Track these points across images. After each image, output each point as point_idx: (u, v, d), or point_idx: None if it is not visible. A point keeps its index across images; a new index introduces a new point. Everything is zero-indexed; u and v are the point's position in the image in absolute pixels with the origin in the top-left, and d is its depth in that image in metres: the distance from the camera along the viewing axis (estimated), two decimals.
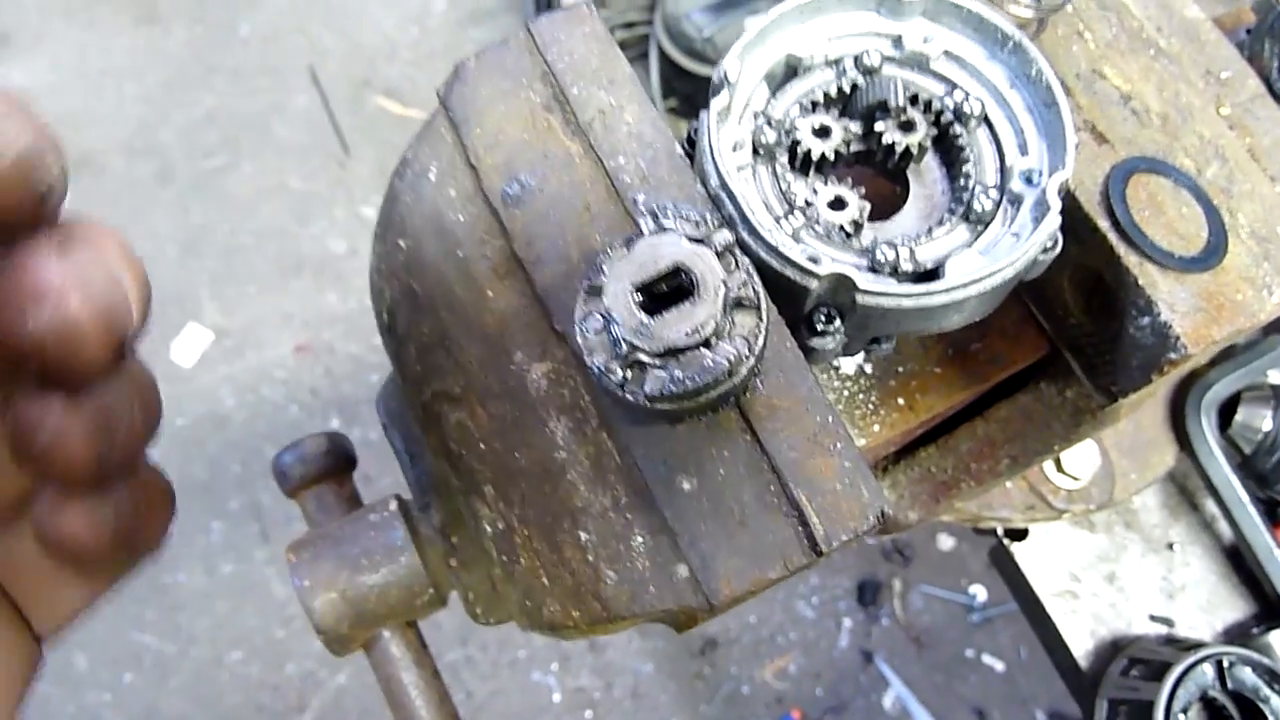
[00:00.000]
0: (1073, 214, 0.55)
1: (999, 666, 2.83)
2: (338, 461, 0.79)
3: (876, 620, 2.95)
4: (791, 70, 0.57)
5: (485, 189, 0.52)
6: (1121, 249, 0.53)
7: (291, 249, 2.93)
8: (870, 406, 0.72)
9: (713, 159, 0.51)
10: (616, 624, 0.49)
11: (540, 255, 0.51)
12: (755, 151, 0.54)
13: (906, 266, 0.51)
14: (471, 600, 0.69)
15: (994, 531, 1.05)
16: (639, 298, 0.43)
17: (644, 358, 0.43)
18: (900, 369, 0.73)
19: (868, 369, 0.73)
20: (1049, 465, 0.99)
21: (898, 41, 0.56)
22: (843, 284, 0.48)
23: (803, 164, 0.55)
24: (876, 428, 0.71)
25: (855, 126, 0.56)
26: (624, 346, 0.43)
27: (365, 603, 0.78)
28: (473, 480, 0.55)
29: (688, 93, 2.80)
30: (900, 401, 0.72)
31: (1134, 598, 1.03)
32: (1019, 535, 1.04)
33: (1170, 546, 1.05)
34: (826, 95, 0.56)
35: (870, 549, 3.04)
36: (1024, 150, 0.54)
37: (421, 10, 3.51)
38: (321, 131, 3.13)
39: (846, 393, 0.72)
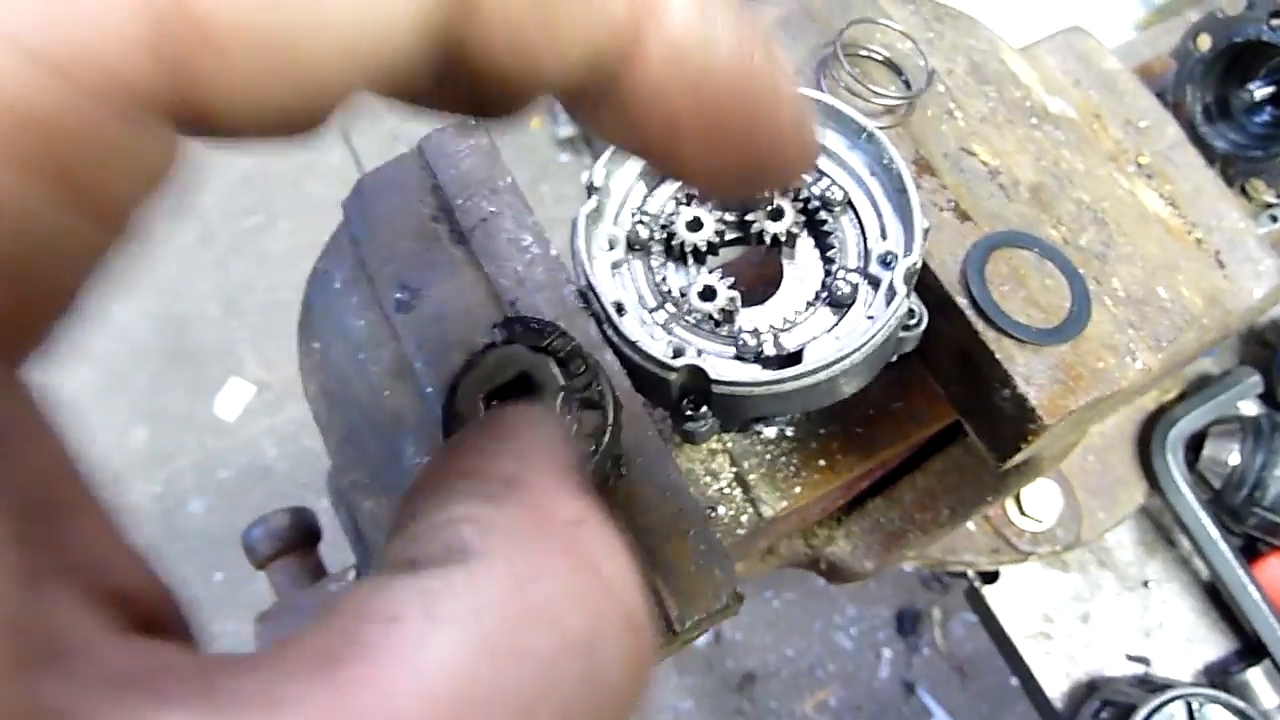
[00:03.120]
0: (936, 292, 0.57)
1: None
2: (300, 535, 0.84)
3: (917, 650, 2.92)
4: None
5: (380, 297, 0.57)
6: (979, 325, 0.55)
7: None
8: (791, 469, 0.74)
9: (579, 261, 0.54)
10: None
11: (427, 357, 0.55)
12: (631, 246, 0.58)
13: (770, 352, 0.54)
14: None
15: (965, 574, 1.06)
16: (487, 405, 0.47)
17: None
18: (822, 430, 0.76)
19: (789, 432, 0.75)
20: (1011, 507, 1.00)
21: None
22: (697, 375, 0.52)
23: (681, 255, 0.59)
24: (798, 489, 0.74)
25: (731, 216, 0.60)
26: None
27: None
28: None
29: None
30: (821, 463, 0.75)
31: (1109, 637, 1.03)
32: (990, 577, 1.05)
33: (1146, 584, 1.05)
34: None
35: (908, 577, 3.01)
36: (884, 234, 0.57)
37: None
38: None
39: (769, 456, 0.75)
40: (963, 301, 0.56)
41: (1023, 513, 0.99)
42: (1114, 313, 0.58)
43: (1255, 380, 1.04)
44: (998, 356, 0.55)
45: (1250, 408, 1.07)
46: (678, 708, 2.93)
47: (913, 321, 0.56)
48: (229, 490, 2.89)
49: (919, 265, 0.53)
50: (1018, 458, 0.59)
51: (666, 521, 0.50)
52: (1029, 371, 0.54)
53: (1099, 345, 0.56)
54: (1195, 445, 1.04)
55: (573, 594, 0.25)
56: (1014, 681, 2.80)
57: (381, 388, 0.57)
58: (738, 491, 0.74)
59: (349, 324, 0.58)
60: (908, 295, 0.53)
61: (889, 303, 0.53)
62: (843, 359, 0.52)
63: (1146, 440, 1.04)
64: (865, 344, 0.52)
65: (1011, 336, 0.55)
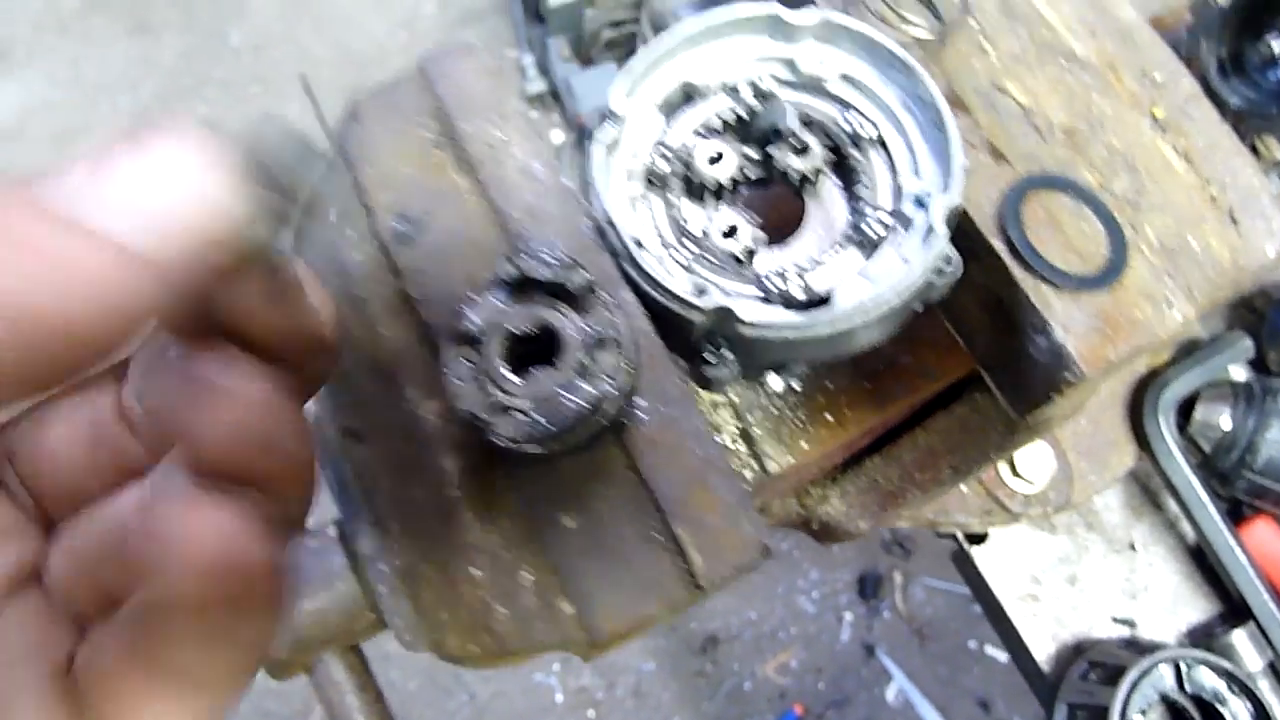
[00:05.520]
0: (970, 235, 0.54)
1: (1002, 658, 2.81)
2: None
3: (878, 613, 2.95)
4: (688, 97, 0.56)
5: (378, 228, 0.52)
6: (1016, 270, 0.53)
7: None
8: (798, 424, 0.72)
9: (595, 192, 0.51)
10: (509, 657, 0.50)
11: (429, 293, 0.51)
12: (650, 181, 0.54)
13: (798, 295, 0.51)
14: (400, 628, 0.69)
15: (954, 535, 1.04)
16: (506, 354, 0.43)
17: (508, 403, 0.43)
18: (829, 384, 0.73)
19: (796, 386, 0.72)
20: (1004, 469, 0.98)
21: (792, 65, 0.56)
22: (726, 316, 0.48)
23: (701, 192, 0.55)
24: (805, 444, 0.71)
25: (753, 152, 0.56)
26: (492, 397, 0.43)
27: (304, 628, 0.78)
28: (378, 515, 0.55)
29: None
30: (828, 417, 0.72)
31: (1096, 599, 1.02)
32: (979, 538, 1.04)
33: (1133, 547, 1.04)
34: (724, 121, 0.56)
35: (870, 542, 3.03)
36: (918, 172, 0.53)
37: (411, 14, 3.51)
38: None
39: (775, 410, 0.72)
40: (999, 245, 0.53)
41: (1015, 474, 0.98)
42: (1151, 261, 0.55)
43: (1246, 345, 1.04)
44: (1035, 303, 0.52)
45: (1240, 373, 1.06)
46: (641, 669, 2.93)
47: (948, 268, 0.53)
48: None
49: (960, 205, 0.50)
50: (1044, 411, 0.57)
51: (690, 471, 0.47)
52: (1067, 319, 0.52)
53: (1137, 294, 0.54)
54: (1185, 409, 1.04)
55: None
56: (971, 644, 2.84)
57: (377, 326, 0.53)
58: (742, 446, 0.72)
59: (344, 258, 0.54)
60: (948, 236, 0.50)
61: (926, 244, 0.50)
62: (878, 304, 0.48)
63: (1138, 403, 1.03)
64: (903, 288, 0.49)
65: (1049, 282, 0.52)
